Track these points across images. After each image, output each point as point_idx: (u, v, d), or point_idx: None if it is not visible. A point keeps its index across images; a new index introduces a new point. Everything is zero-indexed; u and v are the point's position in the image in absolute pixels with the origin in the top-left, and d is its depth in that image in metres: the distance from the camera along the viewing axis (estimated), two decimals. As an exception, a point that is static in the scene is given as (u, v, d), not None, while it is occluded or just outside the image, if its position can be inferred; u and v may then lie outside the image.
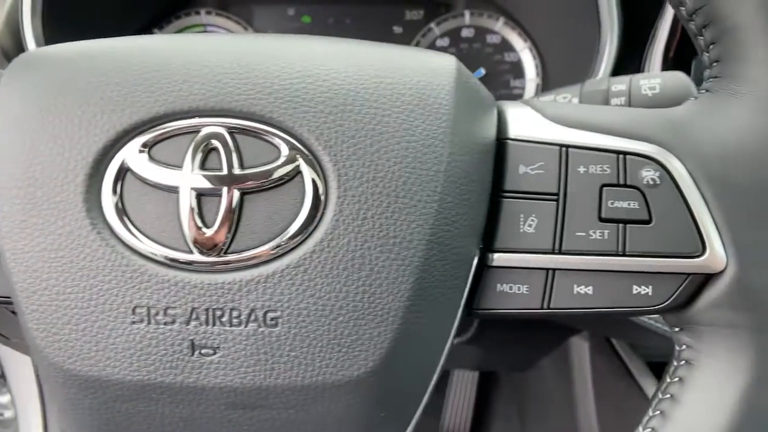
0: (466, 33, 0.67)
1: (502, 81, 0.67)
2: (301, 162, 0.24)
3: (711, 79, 0.28)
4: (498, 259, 0.28)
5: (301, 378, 0.24)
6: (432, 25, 0.67)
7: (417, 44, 0.67)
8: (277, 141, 0.24)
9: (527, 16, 0.65)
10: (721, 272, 0.26)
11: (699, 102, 0.28)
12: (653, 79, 0.39)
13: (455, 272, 0.26)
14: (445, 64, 0.26)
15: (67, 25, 0.52)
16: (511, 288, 0.28)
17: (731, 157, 0.26)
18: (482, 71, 0.66)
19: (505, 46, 0.67)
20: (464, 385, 1.16)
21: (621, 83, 0.40)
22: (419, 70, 0.25)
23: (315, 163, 0.24)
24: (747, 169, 0.26)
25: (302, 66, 0.25)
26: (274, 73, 0.24)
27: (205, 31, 0.66)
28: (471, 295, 0.28)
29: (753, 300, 0.26)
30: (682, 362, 0.28)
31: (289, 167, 0.24)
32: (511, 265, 0.28)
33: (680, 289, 0.27)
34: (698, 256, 0.26)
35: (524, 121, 0.29)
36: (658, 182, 0.27)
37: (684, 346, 0.28)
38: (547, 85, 0.65)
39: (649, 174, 0.27)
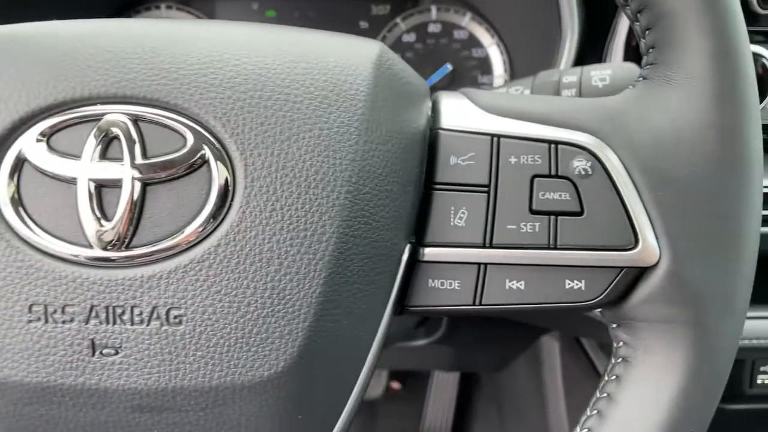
0: (432, 28, 0.66)
1: (469, 77, 0.66)
2: (207, 151, 0.22)
3: (647, 66, 0.27)
4: (429, 253, 0.27)
5: (209, 379, 0.23)
6: (398, 20, 0.66)
7: (383, 39, 0.66)
8: (182, 129, 0.23)
9: (493, 11, 0.64)
10: (655, 266, 0.25)
11: (635, 90, 0.27)
12: (604, 70, 0.38)
13: (378, 267, 0.25)
14: (366, 49, 0.25)
15: (17, 20, 0.51)
16: (442, 284, 0.27)
17: (665, 147, 0.25)
18: (449, 67, 0.65)
19: (473, 41, 0.66)
20: (445, 386, 1.15)
21: (572, 75, 0.39)
22: (337, 56, 0.24)
23: (222, 152, 0.23)
24: (681, 159, 0.25)
25: (211, 51, 0.23)
26: (181, 58, 0.23)
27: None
28: (403, 292, 0.27)
29: (688, 294, 0.25)
30: (620, 360, 0.27)
31: (195, 157, 0.22)
32: (442, 259, 0.27)
33: (613, 283, 0.26)
34: (630, 249, 0.25)
35: (457, 111, 0.28)
36: (590, 172, 0.26)
37: (621, 343, 0.27)
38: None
39: (580, 164, 0.26)
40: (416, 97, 0.27)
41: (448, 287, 0.27)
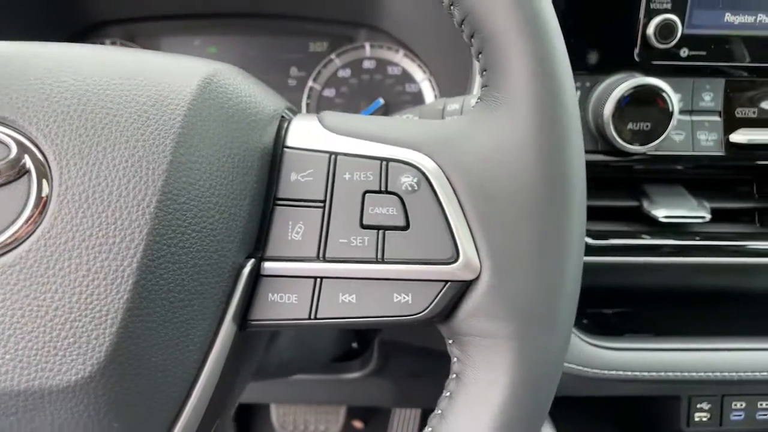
0: (367, 64, 0.69)
1: (402, 110, 0.68)
2: (28, 161, 0.24)
3: (482, 89, 0.28)
4: (269, 267, 0.28)
5: (17, 382, 0.23)
6: (333, 56, 0.68)
7: (318, 74, 0.69)
8: (7, 140, 0.24)
9: (424, 48, 0.67)
10: (476, 279, 0.26)
11: (471, 111, 0.29)
12: (455, 101, 0.39)
13: (202, 277, 0.25)
14: (197, 69, 0.27)
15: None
16: (281, 297, 0.28)
17: (490, 166, 0.26)
18: (381, 101, 0.67)
19: (406, 77, 0.69)
20: (406, 423, 1.13)
21: (455, 102, 0.41)
22: (165, 73, 0.26)
23: (43, 163, 0.24)
24: (504, 177, 0.26)
25: (45, 69, 0.25)
26: (15, 75, 0.24)
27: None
28: (246, 306, 0.28)
29: (508, 308, 0.26)
30: (454, 376, 0.28)
31: (17, 166, 0.23)
32: (281, 273, 0.28)
33: (438, 297, 0.26)
34: (452, 263, 0.26)
35: (304, 131, 0.29)
36: (417, 188, 0.27)
37: (455, 359, 0.28)
38: (445, 116, 0.67)
39: (407, 180, 0.27)
40: (256, 117, 0.28)
41: (287, 301, 0.27)
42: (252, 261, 0.27)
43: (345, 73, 0.69)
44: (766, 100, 0.51)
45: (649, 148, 0.49)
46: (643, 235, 0.52)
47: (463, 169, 0.27)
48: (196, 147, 0.25)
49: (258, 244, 0.28)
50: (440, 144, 0.27)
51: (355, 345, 0.80)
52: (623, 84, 0.48)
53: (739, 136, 0.50)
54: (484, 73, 0.28)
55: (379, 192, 0.27)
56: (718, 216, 0.54)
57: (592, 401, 0.64)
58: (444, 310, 0.27)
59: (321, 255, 0.27)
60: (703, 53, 0.50)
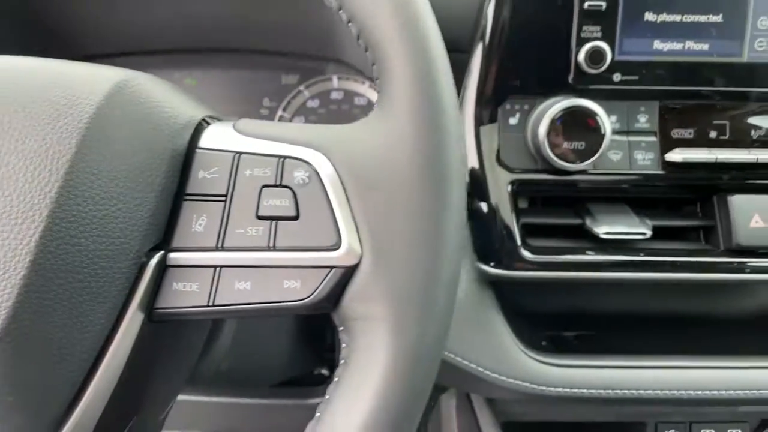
0: (335, 95, 0.73)
1: (368, 138, 0.72)
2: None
3: (378, 95, 0.31)
4: (174, 258, 0.30)
5: None
6: (302, 87, 0.72)
7: (288, 104, 0.73)
8: None
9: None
10: (358, 265, 0.28)
11: (369, 116, 0.31)
12: None
13: (103, 263, 0.27)
14: (112, 74, 0.30)
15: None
16: (184, 286, 0.29)
17: (375, 162, 0.29)
18: (346, 128, 0.71)
19: (371, 107, 0.72)
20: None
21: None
22: (81, 75, 0.29)
23: None
24: (386, 172, 0.28)
25: None
26: None
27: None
28: (153, 296, 0.29)
29: (384, 292, 0.27)
30: (342, 361, 0.29)
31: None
32: (184, 263, 0.30)
33: (324, 282, 0.28)
34: (336, 250, 0.28)
35: (216, 134, 0.32)
36: (308, 182, 0.29)
37: (344, 345, 0.29)
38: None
39: (300, 174, 0.29)
40: (169, 122, 0.31)
41: (189, 289, 0.29)
42: (160, 253, 0.29)
43: (314, 103, 0.73)
44: (700, 121, 0.53)
45: (585, 166, 0.51)
46: (588, 252, 0.53)
47: (351, 165, 0.29)
48: (102, 143, 0.28)
49: (166, 236, 0.30)
50: (333, 143, 0.30)
51: (325, 371, 0.80)
52: (556, 105, 0.50)
53: (675, 155, 0.52)
54: (377, 80, 0.31)
55: (275, 186, 0.29)
56: (666, 234, 0.55)
57: (553, 429, 0.63)
58: (330, 295, 0.28)
59: (220, 245, 0.29)
60: (636, 78, 0.52)
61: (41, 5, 0.64)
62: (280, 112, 0.72)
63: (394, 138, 0.29)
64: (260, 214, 0.29)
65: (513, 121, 0.53)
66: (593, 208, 0.55)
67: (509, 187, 0.53)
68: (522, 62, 0.53)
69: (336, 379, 0.28)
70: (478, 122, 0.54)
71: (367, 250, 0.28)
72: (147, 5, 0.64)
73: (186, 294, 0.29)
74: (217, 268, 0.29)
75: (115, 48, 0.72)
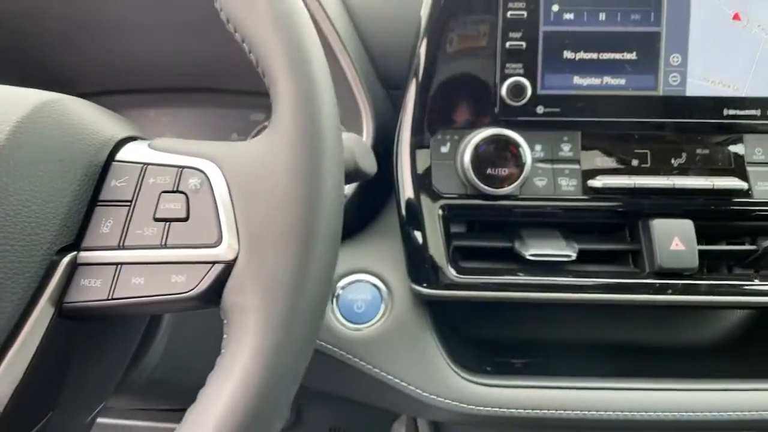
0: (298, 130, 0.78)
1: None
2: None
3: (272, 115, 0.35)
4: (83, 257, 0.33)
5: None
6: (266, 123, 0.78)
7: (253, 138, 0.77)
8: None
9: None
10: (235, 260, 0.31)
11: (262, 134, 0.35)
12: None
13: (12, 257, 0.30)
14: (35, 95, 0.34)
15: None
16: (90, 282, 0.33)
17: (258, 171, 0.32)
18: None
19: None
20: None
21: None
22: (7, 98, 0.33)
23: None
24: (267, 179, 0.32)
25: None
26: None
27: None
28: (63, 292, 0.33)
29: (256, 283, 0.30)
30: (222, 351, 0.31)
31: None
32: (92, 261, 0.33)
33: (206, 276, 0.31)
34: (217, 246, 0.31)
35: (132, 150, 0.36)
36: (200, 188, 0.33)
37: (225, 336, 0.31)
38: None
39: (194, 181, 0.33)
40: (89, 138, 0.35)
41: (93, 285, 0.32)
42: (73, 252, 0.33)
43: (278, 138, 0.78)
44: (621, 150, 0.56)
45: (508, 191, 0.54)
46: (518, 273, 0.56)
47: (238, 175, 0.33)
48: (19, 153, 0.32)
49: (78, 238, 0.33)
50: (227, 156, 0.34)
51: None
52: (480, 134, 0.54)
53: (596, 182, 0.55)
54: (272, 105, 0.35)
55: (172, 192, 0.33)
56: (599, 258, 0.57)
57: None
58: (211, 288, 0.31)
59: (121, 244, 0.32)
60: (558, 110, 0.56)
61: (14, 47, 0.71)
62: (245, 146, 0.77)
63: (275, 152, 0.32)
64: (157, 216, 0.33)
65: (444, 149, 0.57)
66: (525, 232, 0.58)
67: (440, 212, 0.56)
68: (452, 97, 0.57)
69: (214, 369, 0.31)
70: (413, 152, 0.57)
71: (243, 246, 0.31)
72: (126, 49, 0.71)
73: (90, 289, 0.32)
74: (118, 266, 0.32)
75: (90, 88, 0.78)
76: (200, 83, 0.79)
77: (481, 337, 0.70)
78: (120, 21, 0.67)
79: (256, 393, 0.29)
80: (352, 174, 0.45)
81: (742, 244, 0.58)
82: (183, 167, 0.34)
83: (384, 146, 0.61)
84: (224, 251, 0.31)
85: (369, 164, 0.46)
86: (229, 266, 0.31)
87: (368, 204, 0.64)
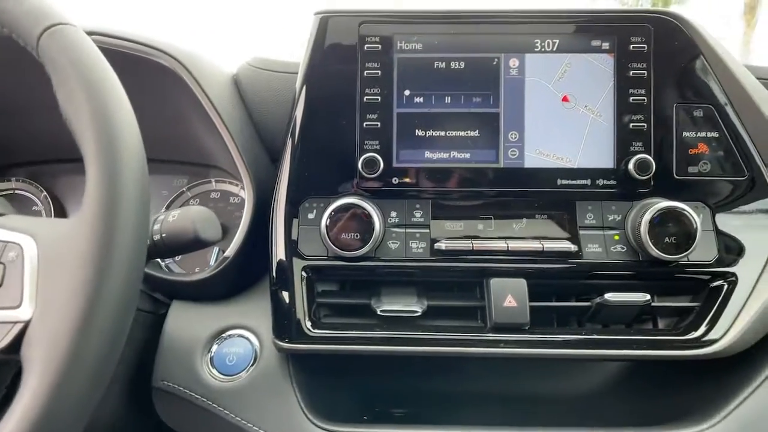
0: (213, 195, 0.85)
1: (237, 231, 0.83)
2: None
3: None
4: None
5: None
6: (184, 189, 0.85)
7: (172, 203, 0.85)
8: None
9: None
10: (31, 319, 0.37)
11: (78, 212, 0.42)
12: (173, 211, 0.53)
13: None
14: None
15: None
16: None
17: (61, 243, 0.39)
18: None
19: (243, 204, 0.84)
20: None
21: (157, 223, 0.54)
22: None
23: None
24: (68, 251, 0.39)
25: None
26: None
27: (14, 194, 0.86)
28: None
29: (41, 339, 0.36)
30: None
31: None
32: None
33: (8, 333, 0.37)
34: (17, 308, 0.37)
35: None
36: (16, 259, 0.39)
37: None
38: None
39: (12, 254, 0.40)
40: None
41: None
42: None
43: (195, 201, 0.85)
44: (468, 216, 0.63)
45: (359, 254, 0.60)
46: (374, 328, 0.61)
47: (48, 246, 0.39)
48: None
49: None
50: (44, 232, 0.40)
51: None
52: (334, 204, 0.60)
53: (441, 245, 0.61)
54: None
55: None
56: (454, 314, 0.62)
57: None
58: (11, 343, 0.37)
59: None
60: (411, 181, 0.63)
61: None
62: (163, 210, 0.84)
63: (78, 227, 0.39)
64: None
65: (311, 216, 0.63)
66: (384, 290, 0.63)
67: (303, 273, 0.62)
68: (319, 169, 0.64)
69: (8, 413, 0.36)
70: (287, 218, 0.64)
71: (39, 308, 0.37)
72: (45, 126, 0.79)
73: None
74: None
75: (31, 157, 0.87)
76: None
77: (373, 388, 0.74)
78: (33, 102, 0.76)
79: (30, 426, 0.34)
80: (192, 242, 0.51)
81: (586, 300, 0.62)
82: (7, 242, 0.40)
83: (266, 211, 0.67)
84: (22, 312, 0.37)
85: (212, 233, 0.53)
86: (26, 325, 0.37)
87: (253, 264, 0.70)
